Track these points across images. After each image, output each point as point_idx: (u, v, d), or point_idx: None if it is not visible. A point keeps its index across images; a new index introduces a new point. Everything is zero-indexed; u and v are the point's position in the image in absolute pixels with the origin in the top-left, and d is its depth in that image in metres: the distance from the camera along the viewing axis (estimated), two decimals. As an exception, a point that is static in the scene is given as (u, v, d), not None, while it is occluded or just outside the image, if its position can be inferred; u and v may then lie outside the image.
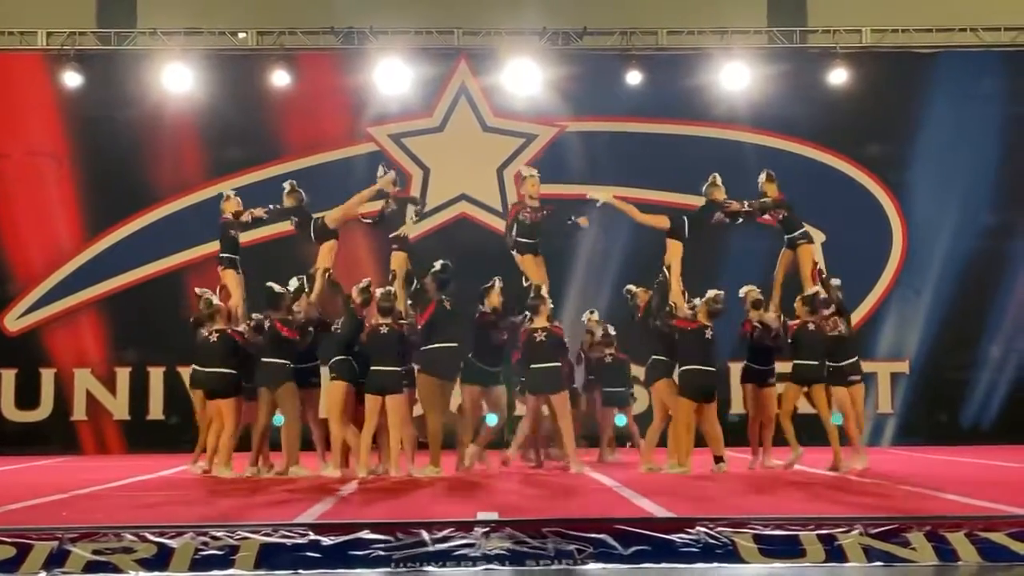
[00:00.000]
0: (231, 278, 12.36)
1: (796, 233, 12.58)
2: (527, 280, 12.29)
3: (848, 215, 17.22)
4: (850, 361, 11.98)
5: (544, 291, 11.93)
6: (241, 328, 11.83)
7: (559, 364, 11.86)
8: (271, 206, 12.73)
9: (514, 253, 12.59)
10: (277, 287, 11.60)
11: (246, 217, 12.56)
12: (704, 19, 17.56)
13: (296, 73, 17.25)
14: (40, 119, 17.39)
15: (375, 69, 17.21)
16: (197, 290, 12.23)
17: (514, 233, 12.57)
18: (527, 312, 11.87)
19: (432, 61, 17.57)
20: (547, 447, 13.10)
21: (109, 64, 17.38)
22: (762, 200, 12.62)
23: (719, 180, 12.62)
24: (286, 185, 12.82)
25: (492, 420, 12.11)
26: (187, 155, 17.42)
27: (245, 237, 13.11)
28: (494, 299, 11.83)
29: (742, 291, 12.24)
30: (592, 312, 14.33)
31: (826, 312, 11.89)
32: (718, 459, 11.53)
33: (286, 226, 13.43)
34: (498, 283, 11.92)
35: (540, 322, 11.75)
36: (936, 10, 17.39)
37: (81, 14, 17.88)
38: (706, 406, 11.60)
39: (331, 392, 11.54)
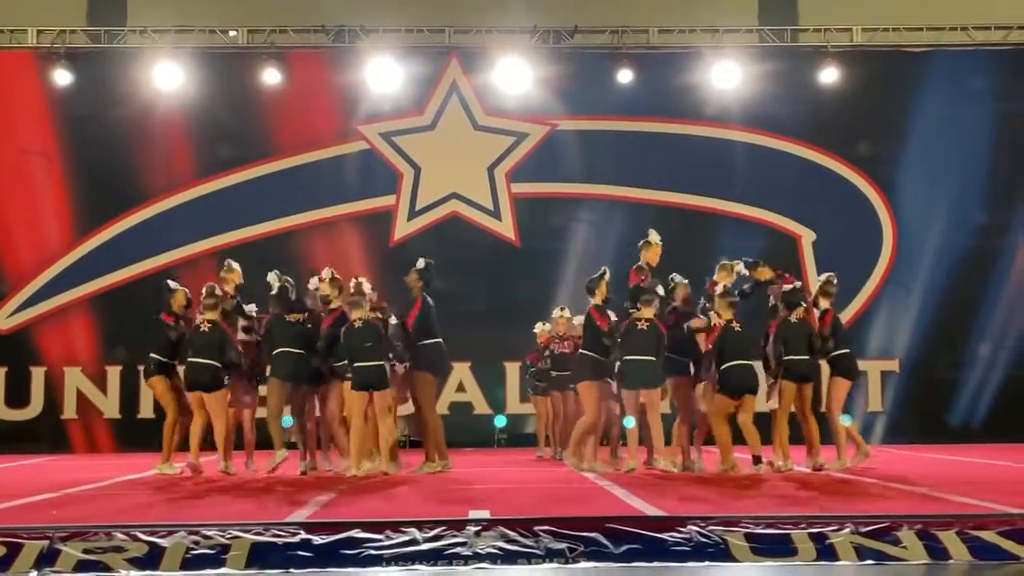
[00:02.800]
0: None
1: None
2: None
3: (839, 214, 17.29)
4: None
5: (661, 289, 11.38)
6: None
7: (655, 358, 11.20)
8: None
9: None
10: (277, 281, 11.46)
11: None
12: (695, 18, 17.58)
13: (287, 71, 17.23)
14: (30, 117, 17.35)
15: (366, 67, 17.19)
16: (172, 283, 12.01)
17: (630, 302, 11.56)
18: (638, 304, 11.27)
19: (423, 59, 17.56)
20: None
21: (99, 62, 17.34)
22: (755, 285, 11.90)
23: (737, 267, 11.74)
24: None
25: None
26: (177, 153, 17.38)
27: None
28: (604, 291, 11.36)
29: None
30: (562, 309, 13.83)
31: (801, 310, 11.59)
32: (756, 459, 11.05)
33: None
34: (608, 274, 11.42)
35: (647, 313, 11.24)
36: (927, 9, 17.43)
37: (71, 12, 17.87)
38: (747, 403, 11.20)
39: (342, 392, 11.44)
